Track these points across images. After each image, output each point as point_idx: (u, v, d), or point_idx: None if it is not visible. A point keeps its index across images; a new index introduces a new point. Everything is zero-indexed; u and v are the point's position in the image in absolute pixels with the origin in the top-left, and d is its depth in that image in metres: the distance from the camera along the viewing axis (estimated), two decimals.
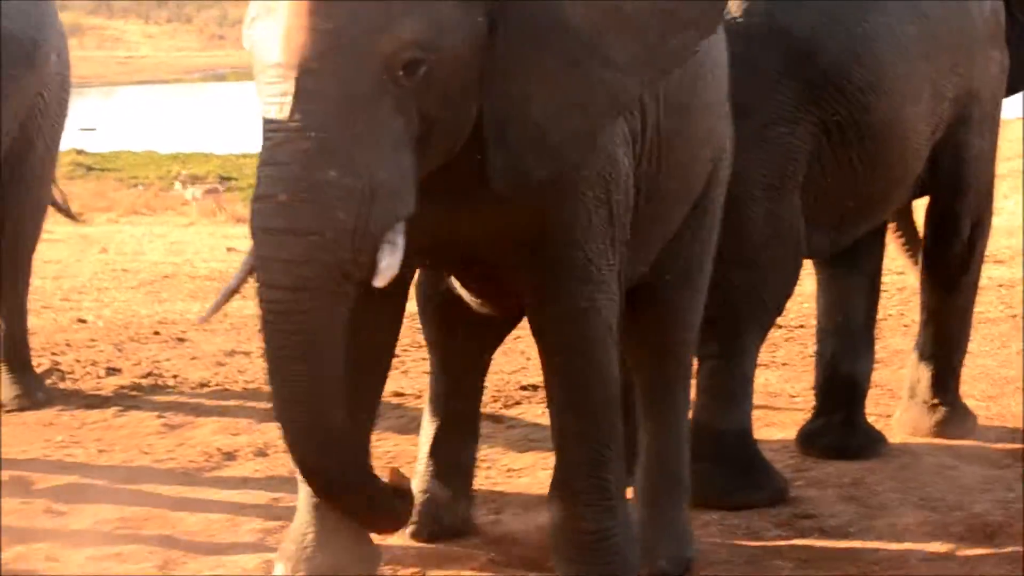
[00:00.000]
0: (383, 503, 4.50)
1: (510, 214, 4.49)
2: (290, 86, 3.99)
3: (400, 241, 4.16)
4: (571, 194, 4.53)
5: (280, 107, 4.00)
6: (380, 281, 4.16)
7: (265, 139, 4.05)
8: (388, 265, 4.14)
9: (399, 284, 4.88)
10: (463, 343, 5.48)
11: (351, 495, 4.43)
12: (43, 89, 7.17)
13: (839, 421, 6.62)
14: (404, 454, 6.54)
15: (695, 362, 5.92)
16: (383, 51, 4.01)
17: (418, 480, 5.59)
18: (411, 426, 7.01)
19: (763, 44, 5.78)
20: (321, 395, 4.16)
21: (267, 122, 4.04)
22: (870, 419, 6.76)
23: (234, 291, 4.28)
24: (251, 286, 4.30)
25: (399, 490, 4.60)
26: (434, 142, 4.19)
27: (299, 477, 5.02)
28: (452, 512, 5.54)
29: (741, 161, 5.60)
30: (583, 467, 4.75)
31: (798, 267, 6.03)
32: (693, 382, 5.62)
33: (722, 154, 5.33)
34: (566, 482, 4.80)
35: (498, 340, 5.65)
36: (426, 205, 4.31)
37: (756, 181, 5.77)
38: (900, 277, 10.61)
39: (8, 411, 7.26)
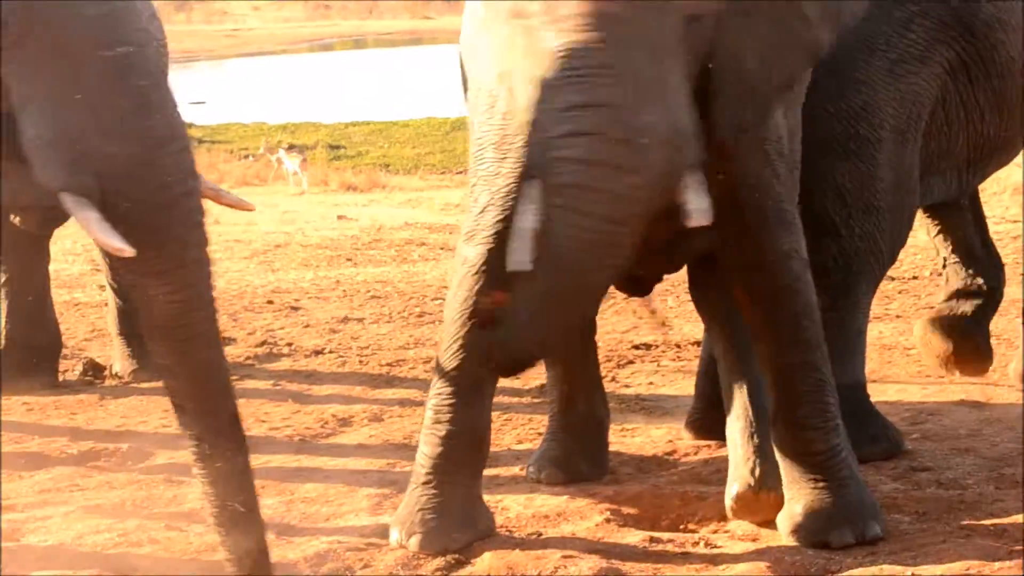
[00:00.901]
0: None
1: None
2: (600, 33, 4.19)
3: (705, 182, 4.35)
4: (758, 151, 4.78)
5: (587, 51, 4.18)
6: (696, 221, 4.32)
7: (568, 78, 4.20)
8: (699, 207, 4.32)
9: None
10: None
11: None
12: None
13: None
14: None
15: None
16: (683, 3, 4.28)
17: (548, 434, 5.77)
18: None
19: None
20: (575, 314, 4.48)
21: (570, 66, 4.20)
22: (989, 372, 6.72)
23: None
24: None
25: None
26: None
27: (421, 440, 5.07)
28: (580, 465, 5.69)
29: (870, 98, 5.71)
30: (806, 395, 5.00)
31: (913, 215, 6.00)
32: None
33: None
34: (791, 411, 5.01)
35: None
36: None
37: (883, 122, 5.76)
38: (1015, 225, 10.47)
39: (126, 383, 7.36)
